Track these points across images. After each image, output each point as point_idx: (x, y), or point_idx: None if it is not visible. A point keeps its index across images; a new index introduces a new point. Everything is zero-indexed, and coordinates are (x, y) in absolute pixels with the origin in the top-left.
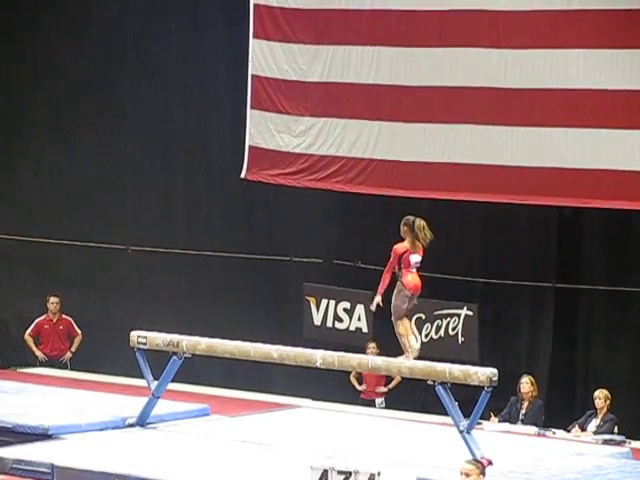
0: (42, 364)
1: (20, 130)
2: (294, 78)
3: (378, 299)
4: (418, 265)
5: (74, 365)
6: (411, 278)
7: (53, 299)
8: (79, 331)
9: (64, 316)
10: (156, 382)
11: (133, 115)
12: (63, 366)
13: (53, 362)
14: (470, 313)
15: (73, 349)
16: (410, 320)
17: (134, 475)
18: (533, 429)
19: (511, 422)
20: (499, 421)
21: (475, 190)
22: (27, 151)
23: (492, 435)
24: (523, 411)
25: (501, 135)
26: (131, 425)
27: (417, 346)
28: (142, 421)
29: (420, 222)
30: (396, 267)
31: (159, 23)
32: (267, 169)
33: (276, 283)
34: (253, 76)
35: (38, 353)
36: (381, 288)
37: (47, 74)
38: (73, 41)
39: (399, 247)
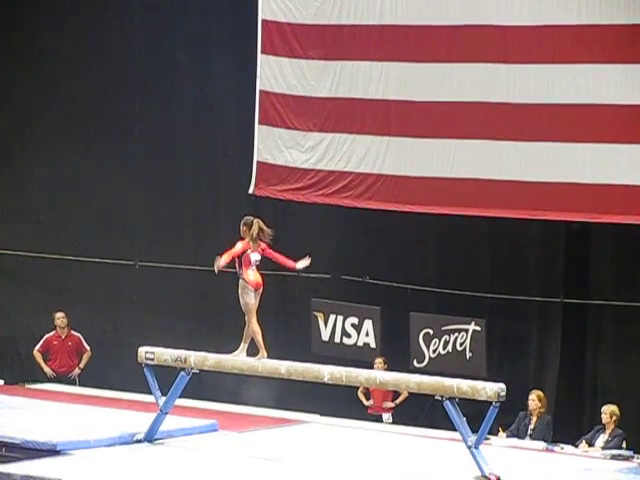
0: (50, 380)
1: (29, 146)
2: (302, 94)
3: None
4: (258, 263)
5: (83, 381)
6: (252, 275)
7: (59, 314)
8: (88, 347)
9: (73, 332)
10: (164, 398)
11: (141, 131)
12: (71, 382)
13: (61, 378)
14: (478, 328)
15: (82, 365)
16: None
17: None
18: (541, 444)
19: (519, 437)
20: (507, 436)
21: (483, 205)
22: (35, 168)
23: (500, 450)
24: (531, 426)
25: (510, 150)
26: (139, 441)
27: None
28: (150, 437)
29: (258, 222)
30: (237, 266)
31: (166, 39)
32: (275, 184)
33: (284, 298)
34: (261, 92)
35: (46, 369)
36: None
37: (56, 89)
38: (81, 59)
39: (239, 246)
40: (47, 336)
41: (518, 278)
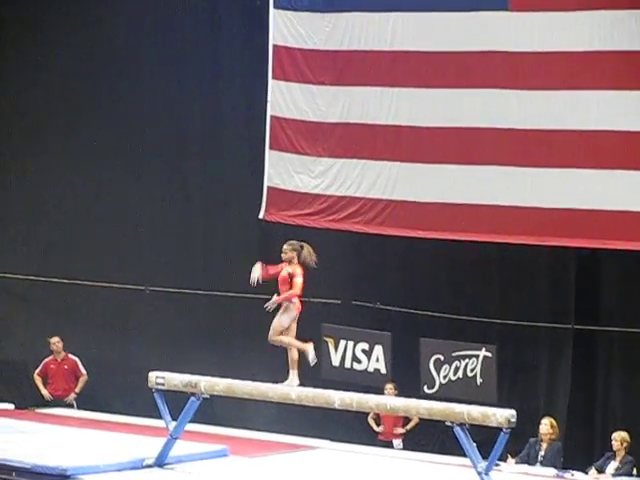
0: (48, 404)
1: (39, 170)
2: (313, 119)
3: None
4: None
5: (91, 405)
6: (297, 300)
7: (54, 339)
8: (84, 371)
9: (70, 356)
10: (174, 423)
11: (152, 155)
12: (68, 406)
13: (59, 402)
14: (489, 354)
15: (77, 390)
16: None
17: None
18: (552, 471)
19: (530, 463)
20: (516, 462)
21: (494, 231)
22: (44, 192)
23: (510, 477)
24: (542, 452)
25: (519, 176)
26: (149, 466)
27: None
28: (160, 462)
29: (308, 248)
30: (281, 287)
31: (176, 64)
32: (285, 210)
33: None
34: (272, 117)
35: (44, 392)
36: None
37: (66, 112)
38: (91, 80)
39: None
40: (45, 360)
41: (529, 304)
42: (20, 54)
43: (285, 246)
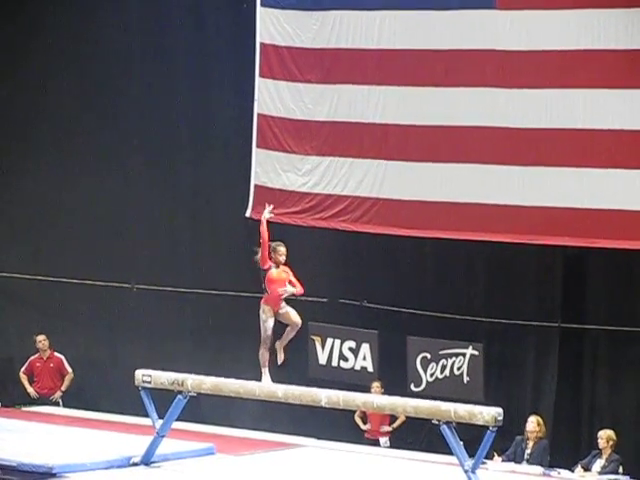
0: (33, 402)
1: (25, 167)
2: (300, 117)
3: None
4: None
5: (77, 403)
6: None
7: (40, 337)
8: (70, 369)
9: (55, 354)
10: (161, 421)
11: (139, 154)
12: (55, 404)
13: (44, 400)
14: (476, 353)
15: (63, 388)
16: None
17: None
18: (538, 469)
19: (516, 462)
20: (503, 460)
21: (481, 230)
22: (31, 190)
23: (497, 475)
24: (528, 451)
25: (507, 175)
26: (135, 464)
27: None
28: (147, 460)
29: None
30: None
31: (164, 63)
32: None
33: (281, 322)
34: (259, 115)
35: (30, 390)
36: None
37: (53, 110)
38: (78, 79)
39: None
40: (31, 358)
41: (516, 302)
42: (14, 55)
43: (284, 248)
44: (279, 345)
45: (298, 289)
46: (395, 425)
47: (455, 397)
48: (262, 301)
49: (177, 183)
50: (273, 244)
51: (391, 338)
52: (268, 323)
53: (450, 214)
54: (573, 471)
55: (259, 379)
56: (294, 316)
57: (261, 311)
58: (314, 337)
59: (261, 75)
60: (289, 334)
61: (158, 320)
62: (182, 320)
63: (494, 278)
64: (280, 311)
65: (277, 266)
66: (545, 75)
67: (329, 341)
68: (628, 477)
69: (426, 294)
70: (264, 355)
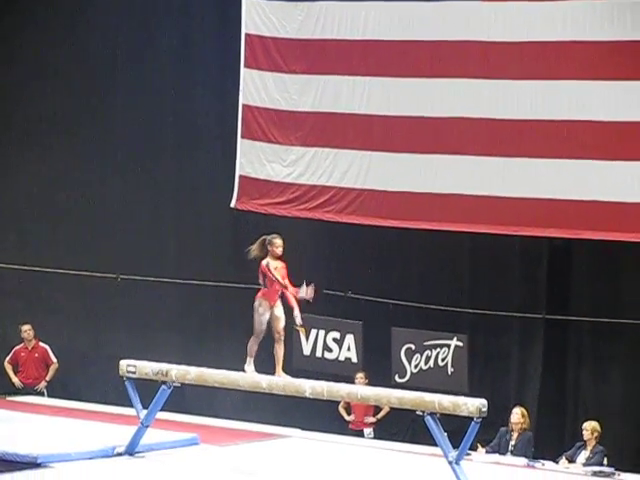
0: (18, 392)
1: (11, 156)
2: (285, 108)
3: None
4: None
5: (62, 393)
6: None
7: (25, 327)
8: (54, 359)
9: (40, 344)
10: (145, 411)
11: (123, 144)
12: (39, 394)
13: (29, 390)
14: (460, 344)
15: (48, 378)
16: None
17: None
18: (523, 460)
19: (501, 453)
20: (487, 452)
21: (466, 221)
22: (16, 180)
23: (481, 466)
24: (513, 442)
25: (492, 166)
26: (120, 454)
27: None
28: (131, 450)
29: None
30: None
31: (149, 53)
32: (257, 198)
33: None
34: (244, 105)
35: (15, 380)
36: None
37: (38, 101)
38: (65, 71)
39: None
40: (16, 348)
41: (500, 294)
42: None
43: (280, 240)
44: (277, 368)
45: (309, 294)
46: (379, 416)
47: (439, 388)
48: (259, 295)
49: (161, 174)
50: (269, 237)
51: (375, 329)
52: (264, 317)
53: (435, 205)
54: (557, 462)
55: (242, 369)
56: (281, 322)
57: (257, 304)
58: (298, 328)
59: (246, 66)
60: (278, 352)
61: (142, 310)
62: (166, 310)
63: (478, 269)
64: (274, 309)
65: (274, 259)
66: (529, 66)
67: (313, 332)
68: (613, 469)
69: (411, 285)
70: (253, 347)
